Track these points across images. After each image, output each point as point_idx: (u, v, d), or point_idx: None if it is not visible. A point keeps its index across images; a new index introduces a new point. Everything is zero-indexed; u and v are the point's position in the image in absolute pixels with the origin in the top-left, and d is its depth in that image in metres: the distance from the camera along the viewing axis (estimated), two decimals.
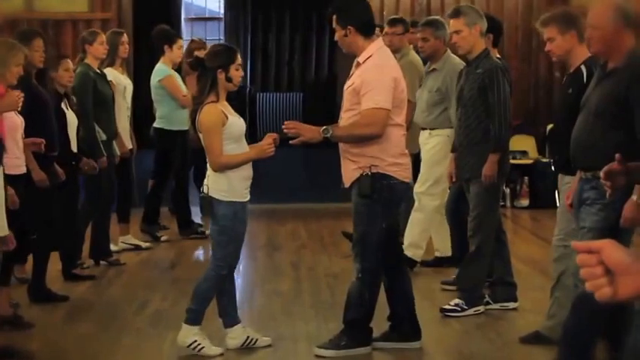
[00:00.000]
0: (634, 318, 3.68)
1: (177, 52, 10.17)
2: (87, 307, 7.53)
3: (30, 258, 7.67)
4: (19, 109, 6.37)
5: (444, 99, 8.29)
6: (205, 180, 6.14)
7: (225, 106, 6.12)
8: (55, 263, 8.10)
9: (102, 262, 9.03)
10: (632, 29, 5.15)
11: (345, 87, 6.14)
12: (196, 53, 10.65)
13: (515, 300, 7.29)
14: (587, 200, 5.21)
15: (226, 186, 6.05)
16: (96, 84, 8.82)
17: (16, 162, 6.76)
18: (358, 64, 6.09)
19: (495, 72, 6.98)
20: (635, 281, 2.08)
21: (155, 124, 10.26)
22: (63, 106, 8.07)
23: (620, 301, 2.09)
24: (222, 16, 21.30)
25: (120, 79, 9.40)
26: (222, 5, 21.39)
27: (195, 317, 6.22)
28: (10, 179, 6.41)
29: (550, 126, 12.79)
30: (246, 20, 20.99)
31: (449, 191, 7.94)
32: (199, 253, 10.02)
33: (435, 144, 8.42)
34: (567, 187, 5.82)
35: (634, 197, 4.86)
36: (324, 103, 19.39)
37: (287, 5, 20.93)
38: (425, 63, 8.82)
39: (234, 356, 6.25)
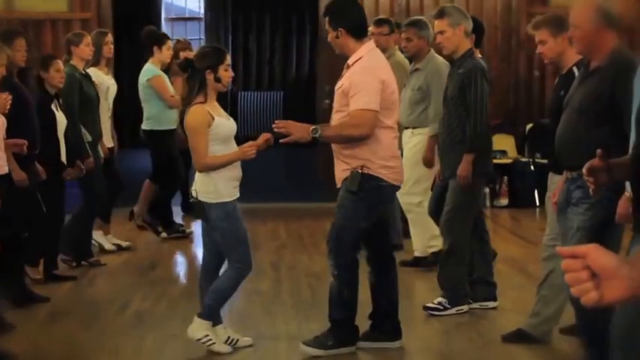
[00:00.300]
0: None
1: (166, 53, 10.19)
2: (68, 308, 7.51)
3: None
4: (5, 111, 6.37)
5: (424, 97, 8.34)
6: (194, 184, 6.18)
7: (214, 107, 6.14)
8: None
9: (83, 263, 9.00)
10: (613, 29, 5.18)
11: (336, 88, 6.17)
12: (182, 54, 10.75)
13: (495, 299, 7.33)
14: (574, 200, 5.26)
15: (212, 187, 6.07)
16: (82, 85, 8.81)
17: None
18: (348, 66, 6.13)
19: (474, 72, 7.01)
20: (622, 285, 2.09)
21: (143, 126, 10.26)
22: (53, 107, 8.06)
23: (606, 305, 2.09)
24: (202, 16, 21.30)
25: (103, 80, 9.39)
26: (202, 5, 21.38)
27: (209, 313, 6.24)
28: None
29: (530, 125, 12.87)
30: (227, 20, 20.99)
31: (431, 191, 7.98)
32: (180, 253, 10.02)
33: (415, 143, 8.47)
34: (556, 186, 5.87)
35: (627, 193, 4.94)
36: (304, 101, 19.41)
37: (267, 6, 20.94)
38: (410, 63, 8.86)
39: (215, 356, 6.25)
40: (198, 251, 9.99)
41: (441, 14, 7.23)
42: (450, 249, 7.11)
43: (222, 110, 6.25)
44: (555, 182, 5.97)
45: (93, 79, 9.11)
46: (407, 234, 9.07)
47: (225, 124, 6.14)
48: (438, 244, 8.57)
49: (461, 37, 7.12)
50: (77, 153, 8.39)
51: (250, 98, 21.00)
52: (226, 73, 6.12)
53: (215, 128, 6.06)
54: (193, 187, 6.16)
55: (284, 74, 21.41)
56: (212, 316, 6.24)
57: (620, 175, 3.96)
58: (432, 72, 8.27)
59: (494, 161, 11.81)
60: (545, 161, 12.22)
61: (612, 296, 2.09)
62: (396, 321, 6.38)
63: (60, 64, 8.19)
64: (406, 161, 8.24)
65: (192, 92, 6.11)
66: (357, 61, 6.07)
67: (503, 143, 13.16)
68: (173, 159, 10.16)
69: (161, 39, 10.28)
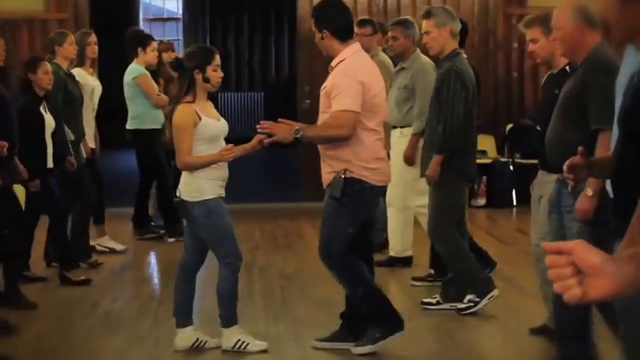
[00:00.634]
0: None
1: (150, 54, 10.18)
2: (37, 309, 7.46)
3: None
4: None
5: (410, 96, 8.32)
6: (180, 183, 6.20)
7: (203, 107, 6.15)
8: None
9: (82, 265, 8.88)
10: (594, 28, 5.18)
11: (320, 89, 6.19)
12: (164, 54, 10.76)
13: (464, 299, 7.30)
14: (567, 207, 5.25)
15: (195, 186, 6.10)
16: (66, 84, 8.79)
17: None
18: (332, 68, 6.16)
19: (448, 74, 7.02)
20: (607, 283, 2.06)
21: (128, 126, 10.24)
22: (42, 109, 8.01)
23: (589, 302, 2.07)
24: (180, 16, 21.27)
25: (88, 80, 9.35)
26: (180, 6, 21.35)
27: (229, 319, 6.25)
28: None
29: (510, 126, 12.87)
30: (205, 21, 20.97)
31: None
32: (152, 254, 9.98)
33: (405, 145, 8.41)
34: (548, 185, 5.87)
35: (588, 192, 4.96)
36: (285, 102, 19.42)
37: (245, 6, 20.92)
38: (396, 63, 8.85)
39: (182, 357, 6.24)
40: (172, 252, 9.96)
41: (427, 14, 7.26)
42: (448, 255, 7.14)
43: (213, 110, 6.27)
44: (546, 182, 5.97)
45: (77, 79, 9.08)
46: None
47: (213, 124, 6.15)
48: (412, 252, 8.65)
49: (446, 37, 7.13)
50: (61, 151, 8.32)
51: (231, 99, 20.98)
52: (215, 74, 6.14)
53: (201, 128, 6.08)
54: (179, 186, 6.19)
55: (264, 75, 21.40)
56: (233, 320, 6.25)
57: (601, 174, 3.98)
58: (418, 71, 8.28)
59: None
60: (525, 161, 12.31)
61: (596, 293, 2.07)
62: (367, 323, 6.34)
63: (48, 66, 8.15)
64: (394, 163, 8.15)
65: (181, 92, 6.14)
66: (340, 62, 6.09)
67: (483, 143, 13.15)
68: (158, 159, 10.12)
69: (145, 40, 10.28)
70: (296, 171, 13.27)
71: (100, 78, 9.85)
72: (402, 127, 8.41)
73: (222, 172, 6.17)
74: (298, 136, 5.94)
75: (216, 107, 15.51)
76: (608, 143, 4.29)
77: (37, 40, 12.50)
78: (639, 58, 3.67)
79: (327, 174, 6.12)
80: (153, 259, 9.91)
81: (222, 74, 6.23)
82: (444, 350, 6.37)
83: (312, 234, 10.78)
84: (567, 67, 6.00)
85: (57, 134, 8.30)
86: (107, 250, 9.50)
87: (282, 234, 10.80)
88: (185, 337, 6.29)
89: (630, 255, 2.19)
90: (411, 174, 8.27)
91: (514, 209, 12.07)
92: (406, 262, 8.62)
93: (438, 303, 7.22)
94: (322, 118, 6.14)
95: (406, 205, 8.53)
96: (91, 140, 9.40)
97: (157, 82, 10.49)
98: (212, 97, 11.91)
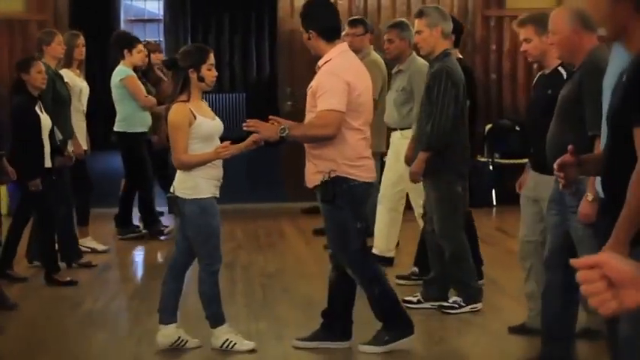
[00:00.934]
0: None
1: (137, 56, 10.20)
2: (17, 309, 7.45)
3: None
4: None
5: (409, 99, 8.34)
6: (175, 180, 6.22)
7: (198, 107, 6.17)
8: None
9: (73, 265, 8.91)
10: (591, 31, 5.26)
11: (307, 89, 6.20)
12: (152, 56, 10.81)
13: (446, 299, 7.35)
14: (572, 208, 5.28)
15: (190, 183, 6.12)
16: (54, 84, 8.78)
17: None
18: (319, 68, 6.18)
19: (439, 74, 7.03)
20: None
21: (115, 128, 10.24)
22: (37, 109, 8.02)
23: (623, 312, 2.07)
24: (161, 17, 21.28)
25: (75, 81, 9.36)
26: (161, 7, 21.36)
27: (215, 319, 6.27)
28: None
29: (489, 126, 12.92)
30: (186, 21, 20.99)
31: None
32: (134, 254, 10.00)
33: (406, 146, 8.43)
34: (542, 185, 5.94)
35: (588, 196, 5.00)
36: (267, 103, 19.44)
37: (226, 6, 20.94)
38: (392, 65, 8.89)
39: (164, 357, 6.26)
40: (154, 252, 10.00)
41: (420, 14, 7.27)
42: (452, 254, 7.15)
43: (208, 110, 6.28)
44: (540, 182, 6.05)
45: (65, 79, 9.08)
46: None
47: (208, 123, 6.18)
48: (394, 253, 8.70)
49: (437, 38, 7.15)
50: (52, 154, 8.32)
51: (212, 100, 20.98)
52: (210, 73, 6.15)
53: (196, 127, 6.10)
54: (174, 183, 6.22)
55: (245, 76, 21.41)
56: (220, 320, 6.27)
57: (591, 171, 4.02)
58: (415, 73, 8.28)
59: None
60: (504, 161, 12.39)
61: (632, 303, 2.07)
62: (348, 322, 6.39)
63: (41, 65, 8.15)
64: (398, 163, 8.17)
65: (175, 91, 6.16)
66: (326, 62, 6.11)
67: None
68: (143, 161, 10.14)
69: (131, 42, 10.30)
70: (277, 171, 13.31)
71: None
72: (401, 128, 8.42)
73: (217, 171, 6.19)
74: (284, 134, 5.96)
75: None
76: None
77: (16, 41, 12.48)
78: (627, 57, 3.72)
79: (312, 174, 6.14)
80: (134, 258, 9.92)
81: (216, 73, 6.25)
82: (424, 348, 6.40)
83: (294, 233, 10.85)
84: (560, 68, 6.07)
85: (50, 137, 8.31)
86: (89, 250, 9.51)
87: (263, 233, 10.83)
88: (167, 334, 6.30)
89: None
90: (405, 177, 8.32)
91: (494, 209, 12.13)
92: (387, 262, 8.67)
93: (419, 302, 7.25)
94: (309, 117, 6.16)
95: (396, 207, 8.56)
96: (83, 141, 9.40)
97: (147, 83, 10.54)
98: None
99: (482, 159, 12.81)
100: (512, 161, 12.24)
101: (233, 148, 6.15)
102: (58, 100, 8.79)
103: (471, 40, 13.06)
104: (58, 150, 8.46)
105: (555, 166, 4.03)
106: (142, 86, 10.17)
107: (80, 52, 9.47)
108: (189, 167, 6.12)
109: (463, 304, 7.14)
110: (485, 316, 7.10)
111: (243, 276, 8.60)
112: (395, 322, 6.24)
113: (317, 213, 11.15)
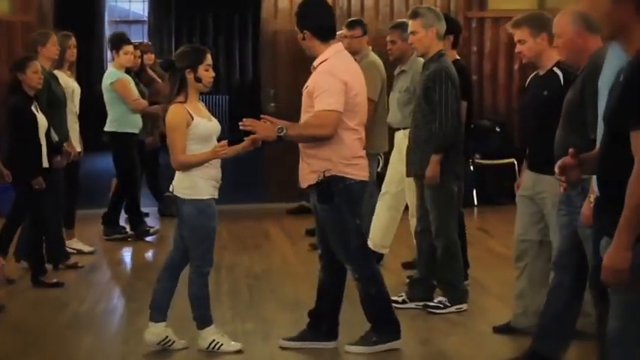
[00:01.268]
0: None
1: (124, 57, 10.23)
2: (6, 311, 7.45)
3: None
4: None
5: (412, 98, 8.36)
6: (174, 180, 6.24)
7: (195, 107, 6.19)
8: None
9: (60, 266, 8.92)
10: (595, 33, 5.23)
11: (303, 89, 6.22)
12: (145, 56, 10.85)
13: (431, 300, 7.42)
14: (578, 208, 5.28)
15: (189, 183, 6.15)
16: (50, 85, 8.80)
17: None
18: (314, 68, 6.20)
19: (439, 74, 7.06)
20: None
21: (106, 128, 10.27)
22: (33, 108, 8.05)
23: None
24: (146, 18, 21.28)
25: (68, 83, 9.36)
26: (146, 8, 21.36)
27: (203, 320, 6.30)
28: None
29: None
30: (170, 23, 20.99)
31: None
32: (121, 255, 10.03)
33: None
34: (543, 184, 6.01)
35: (591, 198, 5.05)
36: (250, 104, 19.48)
37: (210, 8, 20.95)
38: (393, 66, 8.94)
39: (151, 357, 6.30)
40: (140, 253, 10.03)
41: (414, 15, 7.29)
42: (444, 251, 7.19)
43: (205, 110, 6.29)
44: (539, 182, 6.11)
45: (59, 81, 9.12)
46: None
47: (205, 124, 6.19)
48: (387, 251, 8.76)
49: (432, 38, 7.18)
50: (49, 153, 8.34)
51: None
52: (207, 73, 6.17)
53: (194, 128, 6.12)
54: (172, 183, 6.23)
55: (229, 78, 21.42)
56: (207, 321, 6.29)
57: (592, 170, 4.03)
58: (417, 73, 8.25)
59: None
60: (484, 161, 12.46)
61: None
62: (335, 322, 6.43)
63: (37, 65, 8.16)
64: (402, 163, 8.22)
65: (172, 92, 6.17)
66: (322, 62, 6.14)
67: None
68: (131, 163, 10.18)
69: (118, 44, 10.33)
70: (260, 172, 13.35)
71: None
72: (404, 128, 8.45)
73: (215, 171, 6.22)
74: (281, 134, 5.99)
75: None
76: None
77: (1, 42, 12.48)
78: (624, 56, 3.74)
79: (306, 174, 6.17)
80: (121, 259, 9.94)
81: (213, 74, 6.26)
82: (410, 349, 6.40)
83: (278, 234, 10.89)
84: (555, 69, 6.12)
85: (46, 137, 8.34)
86: (75, 251, 9.55)
87: (248, 234, 10.86)
88: (156, 332, 6.32)
89: None
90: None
91: (475, 209, 12.20)
92: (378, 258, 8.73)
93: (404, 302, 7.28)
94: (304, 117, 6.18)
95: (397, 206, 8.63)
96: (77, 143, 9.43)
97: (139, 84, 10.59)
98: None
99: None
100: (492, 162, 12.35)
101: (230, 149, 6.17)
102: (53, 101, 8.82)
103: None
104: (55, 150, 8.50)
105: (556, 168, 4.07)
106: (132, 89, 10.20)
107: (72, 54, 9.49)
108: (187, 167, 6.14)
109: (448, 305, 7.18)
110: (470, 316, 7.14)
111: (228, 277, 8.63)
112: (385, 324, 6.28)
113: (303, 213, 11.30)
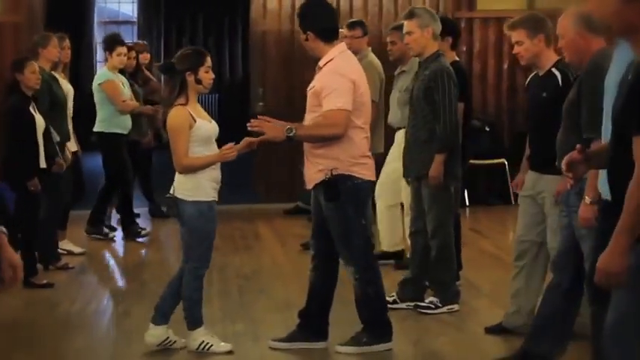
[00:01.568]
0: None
1: (116, 59, 10.23)
2: None
3: None
4: None
5: None
6: (174, 181, 6.23)
7: (195, 109, 6.18)
8: None
9: (50, 267, 8.89)
10: (597, 34, 5.29)
11: (308, 90, 6.22)
12: (141, 56, 10.83)
13: (421, 300, 7.40)
14: (575, 207, 5.32)
15: (191, 185, 6.14)
16: (51, 86, 8.80)
17: None
18: (319, 68, 6.20)
19: (440, 74, 7.07)
20: None
21: (95, 128, 10.27)
22: (31, 109, 8.03)
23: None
24: (135, 19, 21.26)
25: (63, 84, 9.37)
26: (135, 9, 21.34)
27: (193, 322, 6.29)
28: None
29: None
30: (159, 23, 20.98)
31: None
32: (112, 256, 10.01)
33: None
34: (545, 183, 6.02)
35: (587, 200, 5.04)
36: (239, 104, 19.48)
37: (200, 9, 20.95)
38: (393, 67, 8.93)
39: (141, 357, 6.30)
40: (130, 254, 10.02)
41: (410, 15, 7.29)
42: (440, 252, 7.19)
43: (204, 112, 6.29)
44: (543, 181, 6.12)
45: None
46: None
47: (206, 126, 6.19)
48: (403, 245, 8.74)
49: (428, 39, 7.17)
50: (51, 153, 8.34)
51: None
52: (207, 75, 6.17)
53: (196, 130, 6.12)
54: (173, 184, 6.21)
55: (218, 77, 21.36)
56: (197, 323, 6.28)
57: (599, 164, 4.03)
58: None
59: None
60: (475, 162, 12.46)
61: None
62: (325, 322, 6.43)
63: (35, 65, 8.15)
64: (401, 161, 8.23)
65: (172, 94, 6.14)
66: (327, 62, 6.13)
67: None
68: (121, 163, 10.18)
69: (111, 45, 10.33)
70: (250, 173, 13.36)
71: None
72: (404, 127, 8.51)
73: (216, 173, 6.22)
74: (291, 135, 5.98)
75: None
76: None
77: None
78: (633, 55, 3.73)
79: (313, 174, 6.16)
80: (111, 260, 9.93)
81: (213, 75, 6.25)
82: (400, 348, 6.41)
83: (269, 235, 10.90)
84: (554, 70, 6.13)
85: (45, 136, 8.33)
86: (65, 252, 9.53)
87: (239, 235, 10.85)
88: (157, 334, 6.31)
89: None
90: None
91: (467, 209, 12.22)
92: (397, 256, 8.72)
93: (394, 302, 7.28)
94: (309, 117, 6.18)
95: (394, 202, 8.69)
96: (72, 143, 9.42)
97: (134, 85, 10.59)
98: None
99: None
100: (482, 162, 12.36)
101: (235, 149, 6.17)
102: (55, 102, 8.83)
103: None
104: (55, 152, 8.49)
105: (563, 165, 4.07)
106: (121, 90, 10.20)
107: (66, 55, 9.51)
108: (191, 170, 6.13)
109: (440, 305, 7.18)
110: (461, 316, 7.15)
111: (219, 278, 8.62)
112: (377, 326, 6.29)
113: (299, 214, 11.32)
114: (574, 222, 5.37)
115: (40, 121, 8.10)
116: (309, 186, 6.24)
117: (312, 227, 6.47)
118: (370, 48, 9.40)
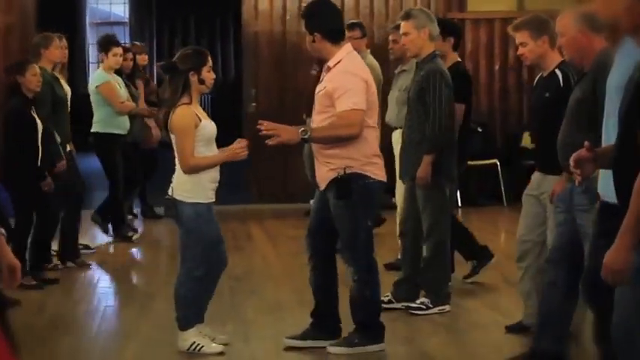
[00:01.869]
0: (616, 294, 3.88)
1: (112, 59, 10.21)
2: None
3: None
4: None
5: None
6: (172, 182, 6.21)
7: (197, 109, 6.17)
8: None
9: (69, 264, 8.94)
10: (599, 33, 5.27)
11: (317, 91, 6.19)
12: (138, 57, 10.83)
13: (417, 298, 7.38)
14: (581, 206, 5.33)
15: (191, 186, 6.12)
16: (53, 87, 8.79)
17: None
18: (329, 69, 6.16)
19: (433, 75, 7.07)
20: None
21: (92, 129, 10.27)
22: (32, 112, 8.03)
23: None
24: (127, 20, 21.26)
25: (63, 85, 9.37)
26: (126, 10, 21.34)
27: (185, 322, 6.28)
28: None
29: None
30: (151, 24, 20.98)
31: None
32: (102, 256, 9.96)
33: None
34: (548, 184, 6.01)
35: (564, 177, 5.10)
36: (232, 104, 19.48)
37: (191, 9, 20.95)
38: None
39: (132, 357, 6.30)
40: (118, 255, 10.00)
41: (407, 16, 7.29)
42: (433, 252, 7.19)
43: (204, 112, 6.27)
44: (546, 181, 6.12)
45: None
46: None
47: (210, 126, 6.19)
48: None
49: (425, 39, 7.16)
50: (49, 156, 8.32)
51: None
52: (209, 75, 6.15)
53: (202, 129, 6.11)
54: (171, 185, 6.19)
55: None
56: (189, 323, 6.27)
57: (605, 164, 4.02)
58: None
59: None
60: (468, 162, 12.46)
61: None
62: (335, 320, 6.42)
63: (36, 68, 8.14)
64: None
65: (176, 94, 6.11)
66: (337, 63, 6.12)
67: None
68: (114, 164, 10.16)
69: (106, 46, 10.32)
70: (243, 173, 13.36)
71: None
72: (402, 127, 8.51)
73: (216, 173, 6.21)
74: (306, 137, 5.99)
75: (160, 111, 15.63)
76: None
77: None
78: (639, 55, 3.72)
79: (325, 173, 6.14)
80: (101, 261, 9.88)
81: (214, 75, 6.24)
82: (391, 348, 6.39)
83: (261, 236, 10.89)
84: (557, 71, 6.12)
85: (47, 138, 8.31)
86: (54, 253, 9.54)
87: (230, 236, 10.80)
88: (188, 337, 6.29)
89: None
90: None
91: (459, 210, 12.22)
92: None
93: (389, 302, 7.27)
94: (318, 119, 6.16)
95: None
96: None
97: (130, 86, 10.58)
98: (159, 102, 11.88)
99: None
100: (475, 162, 12.35)
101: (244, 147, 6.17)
102: (57, 103, 8.83)
103: None
104: (58, 153, 8.49)
105: (572, 161, 4.05)
106: (118, 92, 10.19)
107: (64, 55, 9.50)
108: (198, 170, 6.11)
109: (431, 306, 7.17)
110: (452, 317, 7.14)
111: None
112: (370, 328, 6.28)
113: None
114: (580, 221, 5.35)
115: (39, 124, 8.09)
116: (322, 186, 6.21)
117: (310, 226, 6.44)
118: (369, 50, 9.39)
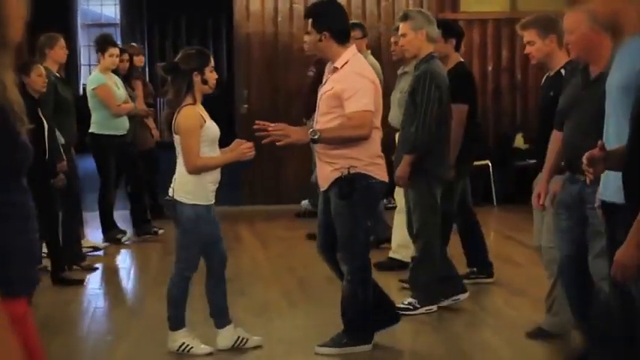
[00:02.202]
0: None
1: (108, 59, 10.21)
2: None
3: None
4: None
5: None
6: (172, 183, 6.19)
7: (201, 110, 6.16)
8: None
9: (75, 267, 8.91)
10: (607, 32, 5.26)
11: (322, 92, 6.19)
12: (135, 59, 10.82)
13: (465, 291, 7.40)
14: (591, 204, 5.21)
15: (192, 187, 6.11)
16: (57, 88, 8.79)
17: None
18: (335, 70, 6.16)
19: (423, 76, 7.07)
20: None
21: (89, 130, 10.27)
22: (39, 112, 8.00)
23: None
24: (118, 22, 21.26)
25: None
26: (118, 11, 21.33)
27: (176, 322, 6.28)
28: None
29: None
30: (142, 26, 20.97)
31: None
32: (91, 259, 9.98)
33: None
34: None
35: (566, 177, 5.13)
36: (224, 105, 19.46)
37: (183, 11, 20.94)
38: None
39: (123, 357, 6.27)
40: (109, 255, 9.98)
41: (404, 18, 7.31)
42: (422, 251, 7.19)
43: (206, 113, 6.26)
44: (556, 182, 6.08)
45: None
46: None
47: (214, 126, 6.18)
48: (409, 252, 8.51)
49: (422, 41, 7.18)
50: (52, 157, 8.30)
51: None
52: (212, 75, 6.15)
53: (206, 130, 6.11)
54: (172, 185, 6.18)
55: None
56: (179, 324, 6.28)
57: (615, 164, 4.02)
58: None
59: None
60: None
61: None
62: (392, 305, 6.48)
63: (41, 68, 8.15)
64: None
65: (179, 95, 6.10)
66: (344, 64, 6.12)
67: None
68: (107, 165, 10.16)
69: (103, 47, 10.32)
70: (234, 174, 13.34)
71: None
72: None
73: (218, 174, 6.21)
74: (315, 137, 5.99)
75: (155, 112, 15.70)
76: None
77: None
78: None
79: (329, 173, 6.14)
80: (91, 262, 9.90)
81: (217, 75, 6.24)
82: (378, 350, 6.39)
83: (251, 237, 10.88)
84: (563, 71, 6.10)
85: (49, 139, 8.29)
86: (44, 255, 9.49)
87: (223, 236, 10.82)
88: (227, 336, 6.35)
89: None
90: None
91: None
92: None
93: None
94: (323, 120, 6.15)
95: (400, 208, 8.56)
96: None
97: (127, 87, 10.58)
98: (152, 103, 11.85)
99: None
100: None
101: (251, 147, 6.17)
102: (61, 104, 8.84)
103: None
104: (59, 154, 8.48)
105: (585, 160, 4.03)
106: (114, 93, 10.17)
107: (62, 56, 9.48)
108: (204, 170, 6.10)
109: (418, 306, 7.18)
110: (440, 317, 7.15)
111: (199, 279, 8.58)
112: (359, 329, 6.28)
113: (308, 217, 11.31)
114: (592, 219, 5.26)
115: (46, 124, 8.07)
116: (324, 186, 6.22)
117: (320, 242, 6.43)
118: (370, 51, 9.38)
